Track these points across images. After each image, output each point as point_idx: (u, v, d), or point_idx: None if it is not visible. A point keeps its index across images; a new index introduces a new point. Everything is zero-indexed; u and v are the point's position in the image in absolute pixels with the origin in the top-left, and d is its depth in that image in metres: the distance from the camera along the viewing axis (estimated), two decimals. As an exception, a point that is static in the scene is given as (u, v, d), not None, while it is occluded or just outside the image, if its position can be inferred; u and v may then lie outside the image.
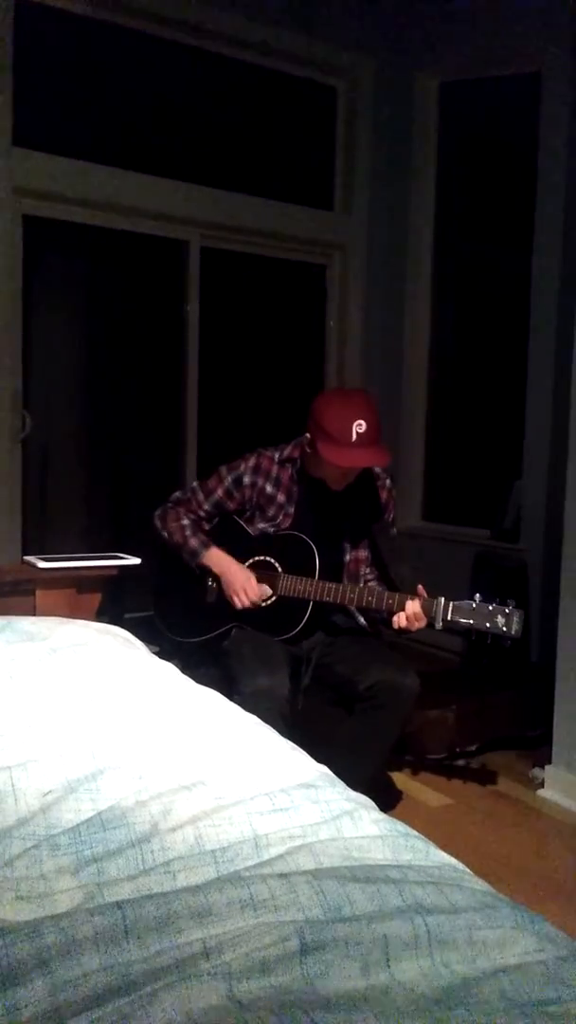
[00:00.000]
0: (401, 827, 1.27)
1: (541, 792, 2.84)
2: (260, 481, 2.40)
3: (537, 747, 3.00)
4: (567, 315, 3.69)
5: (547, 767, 2.85)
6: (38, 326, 3.83)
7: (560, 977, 0.93)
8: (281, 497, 2.40)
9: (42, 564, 2.29)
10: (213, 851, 1.14)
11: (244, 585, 2.32)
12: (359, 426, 2.17)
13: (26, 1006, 0.83)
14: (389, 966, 0.92)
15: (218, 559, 2.38)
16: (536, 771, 2.91)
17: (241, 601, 2.32)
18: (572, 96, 3.79)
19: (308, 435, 2.29)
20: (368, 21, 4.37)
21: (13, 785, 1.29)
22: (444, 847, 1.25)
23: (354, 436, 2.17)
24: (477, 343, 4.59)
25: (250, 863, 1.13)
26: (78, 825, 1.20)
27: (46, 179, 3.62)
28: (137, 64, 3.97)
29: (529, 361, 4.00)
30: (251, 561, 2.39)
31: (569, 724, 2.77)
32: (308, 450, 2.31)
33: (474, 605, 2.11)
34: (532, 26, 3.90)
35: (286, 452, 2.42)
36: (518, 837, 2.56)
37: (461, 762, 3.04)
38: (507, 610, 2.08)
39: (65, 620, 2.03)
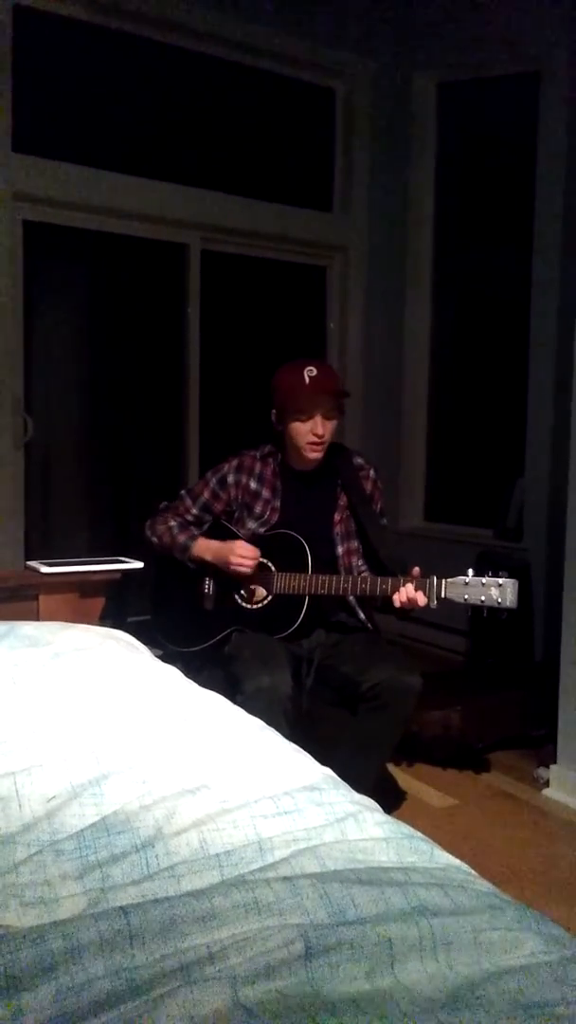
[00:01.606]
0: (405, 829, 1.27)
1: (546, 792, 2.84)
2: (244, 478, 2.43)
3: (542, 746, 2.99)
4: (568, 313, 3.69)
5: (552, 767, 2.85)
6: (39, 331, 3.84)
7: (566, 978, 0.93)
8: (266, 492, 2.42)
9: (45, 569, 2.29)
10: (217, 855, 1.14)
11: (236, 552, 2.33)
12: (310, 371, 2.29)
13: (31, 1012, 0.83)
14: (394, 969, 0.92)
15: (206, 545, 2.40)
16: (541, 771, 2.91)
17: (244, 565, 2.32)
18: (571, 96, 3.79)
19: (273, 412, 2.37)
20: (366, 22, 4.37)
21: (17, 791, 1.29)
22: (449, 848, 1.25)
23: (307, 379, 2.27)
24: (478, 342, 4.59)
25: (254, 867, 1.12)
26: (82, 830, 1.20)
27: (46, 184, 3.63)
28: (136, 68, 3.98)
29: (530, 359, 4.00)
30: None
31: (574, 723, 2.77)
32: (278, 428, 2.37)
33: (467, 580, 2.11)
34: (530, 26, 3.90)
35: (266, 448, 2.47)
36: (523, 837, 2.55)
37: (465, 762, 3.04)
38: (500, 582, 2.09)
39: (68, 625, 2.04)
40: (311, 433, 2.31)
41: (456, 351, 4.67)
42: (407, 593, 2.15)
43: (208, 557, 2.39)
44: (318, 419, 2.30)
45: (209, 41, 4.04)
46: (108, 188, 3.77)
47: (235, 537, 2.42)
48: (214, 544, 2.39)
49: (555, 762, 2.84)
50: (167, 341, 4.17)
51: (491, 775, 2.99)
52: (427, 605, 2.15)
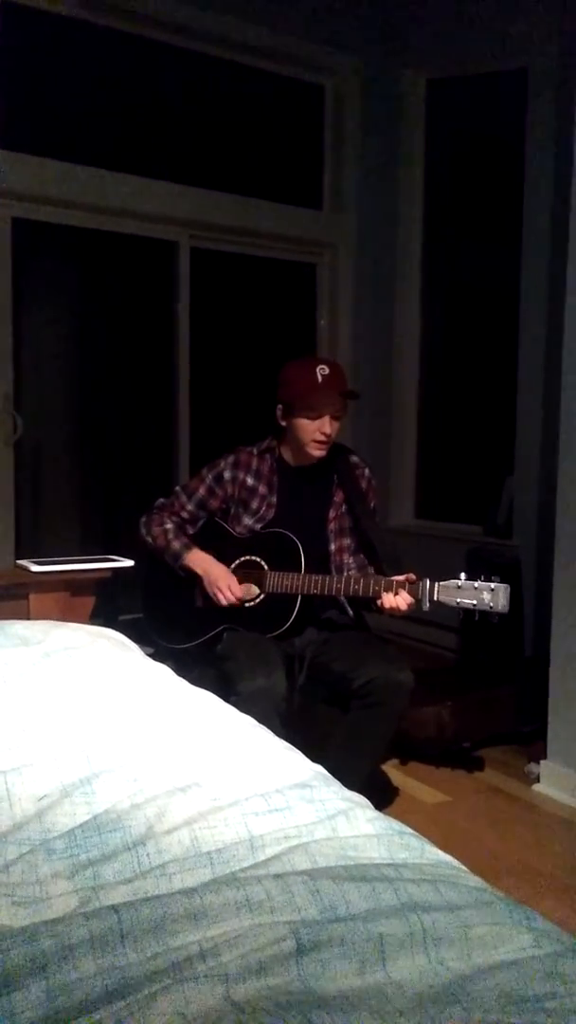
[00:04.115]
0: (396, 825, 1.27)
1: (536, 787, 2.85)
2: (241, 474, 2.43)
3: (532, 742, 3.00)
4: (556, 311, 3.70)
5: (542, 762, 2.86)
6: (29, 329, 3.82)
7: (556, 973, 0.93)
8: (263, 488, 2.42)
9: (35, 568, 2.29)
10: (208, 853, 1.14)
11: (224, 582, 2.33)
12: (322, 370, 2.29)
13: (23, 1011, 0.83)
14: (385, 965, 0.93)
15: (199, 559, 2.39)
16: (531, 766, 2.92)
17: (225, 598, 2.33)
18: (559, 92, 3.80)
19: (279, 407, 2.35)
20: (355, 19, 4.37)
21: (8, 790, 1.28)
22: (439, 844, 1.25)
23: (320, 378, 2.27)
24: (467, 340, 4.59)
25: (246, 864, 1.13)
26: (73, 829, 1.20)
27: (34, 182, 3.62)
28: (124, 65, 3.96)
29: (519, 357, 4.01)
30: (238, 562, 2.40)
31: (564, 719, 2.78)
32: (282, 423, 2.36)
33: (460, 584, 2.12)
34: (519, 22, 3.91)
35: (264, 444, 2.46)
36: (514, 833, 2.56)
37: (456, 758, 3.05)
38: (493, 586, 2.09)
39: (59, 623, 2.03)
40: (319, 431, 2.31)
41: (446, 348, 4.68)
42: (391, 601, 2.15)
43: (197, 571, 2.39)
44: (326, 418, 2.30)
45: (197, 37, 4.03)
46: (97, 185, 3.76)
47: (230, 536, 2.42)
48: (207, 562, 2.39)
49: (545, 757, 2.85)
50: (157, 339, 4.17)
51: (482, 771, 3.00)
52: (419, 607, 2.16)
